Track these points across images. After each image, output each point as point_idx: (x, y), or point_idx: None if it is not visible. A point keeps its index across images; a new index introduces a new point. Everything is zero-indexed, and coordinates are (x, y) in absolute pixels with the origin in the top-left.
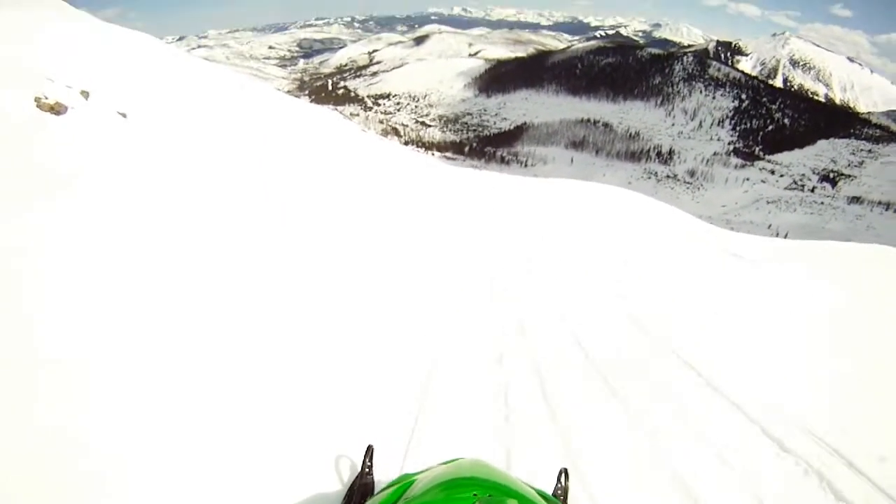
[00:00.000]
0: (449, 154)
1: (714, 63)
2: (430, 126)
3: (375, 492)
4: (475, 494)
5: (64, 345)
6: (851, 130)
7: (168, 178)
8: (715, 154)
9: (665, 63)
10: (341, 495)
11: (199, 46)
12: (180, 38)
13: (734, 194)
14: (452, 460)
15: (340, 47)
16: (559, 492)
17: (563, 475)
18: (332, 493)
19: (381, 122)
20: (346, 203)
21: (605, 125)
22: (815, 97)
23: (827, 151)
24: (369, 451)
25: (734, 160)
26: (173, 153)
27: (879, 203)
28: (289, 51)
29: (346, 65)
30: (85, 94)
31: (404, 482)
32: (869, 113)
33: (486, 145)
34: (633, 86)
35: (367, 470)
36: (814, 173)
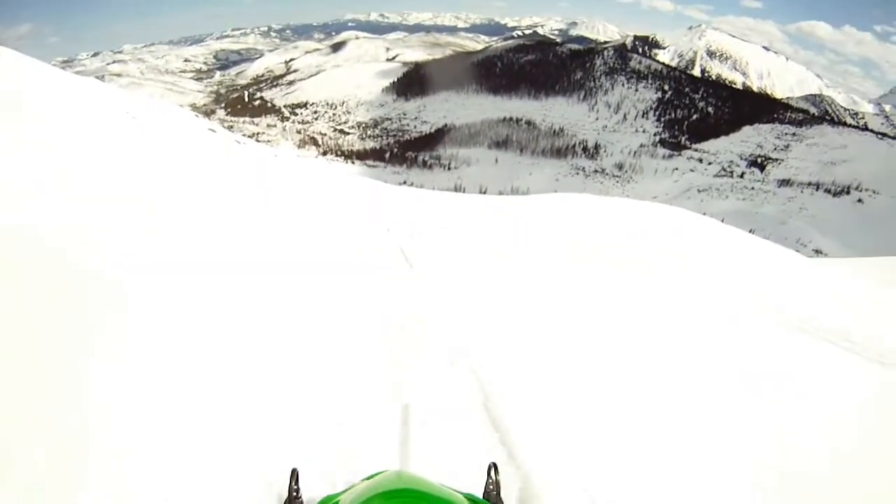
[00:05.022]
0: (370, 162)
1: (634, 56)
2: (348, 133)
3: None
4: None
5: None
6: (774, 115)
7: None
8: (642, 146)
9: (585, 58)
10: None
11: (114, 62)
12: (95, 54)
13: (664, 185)
14: (374, 475)
15: (257, 57)
16: (490, 486)
17: (492, 469)
18: None
19: (298, 132)
20: None
21: (528, 123)
22: (733, 86)
23: (752, 137)
24: (294, 475)
25: (661, 151)
26: None
27: (809, 184)
28: (205, 63)
29: (262, 75)
30: None
31: None
32: (788, 98)
33: (407, 150)
34: (555, 82)
35: (294, 494)
36: (741, 159)
